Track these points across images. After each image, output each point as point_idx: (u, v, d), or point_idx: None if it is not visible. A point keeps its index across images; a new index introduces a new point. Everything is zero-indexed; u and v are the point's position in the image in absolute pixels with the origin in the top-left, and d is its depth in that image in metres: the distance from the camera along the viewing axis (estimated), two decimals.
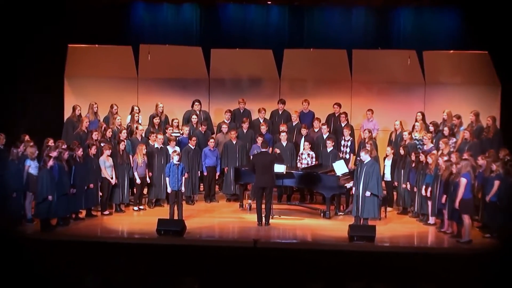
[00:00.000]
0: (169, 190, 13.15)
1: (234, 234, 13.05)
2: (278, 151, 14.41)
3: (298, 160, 14.71)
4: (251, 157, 14.41)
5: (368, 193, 12.64)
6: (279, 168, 13.53)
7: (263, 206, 13.11)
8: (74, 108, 15.07)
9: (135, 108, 15.42)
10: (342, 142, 15.04)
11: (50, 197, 12.34)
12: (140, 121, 15.26)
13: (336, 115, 15.71)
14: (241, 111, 16.00)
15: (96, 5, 16.10)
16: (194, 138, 14.62)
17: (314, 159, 14.63)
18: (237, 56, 16.54)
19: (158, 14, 17.27)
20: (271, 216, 13.31)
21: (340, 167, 13.84)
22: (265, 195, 13.01)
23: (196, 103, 15.78)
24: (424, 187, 13.12)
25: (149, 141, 14.52)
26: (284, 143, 14.87)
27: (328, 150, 14.64)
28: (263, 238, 12.19)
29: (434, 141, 14.27)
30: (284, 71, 16.58)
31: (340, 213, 13.98)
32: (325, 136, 14.99)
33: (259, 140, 14.61)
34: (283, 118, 15.84)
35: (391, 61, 16.18)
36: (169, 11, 17.29)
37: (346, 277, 10.17)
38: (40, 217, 12.46)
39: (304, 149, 14.71)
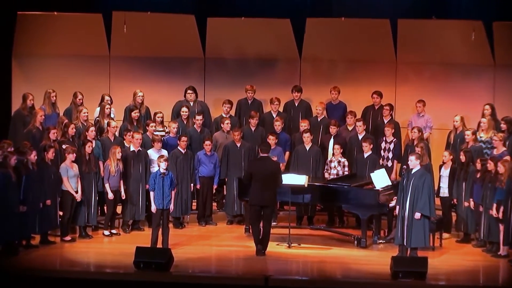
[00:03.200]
0: (153, 208, 13.18)
1: (238, 268, 13.08)
2: (275, 158, 14.40)
3: (325, 169, 14.78)
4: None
5: (417, 215, 12.64)
6: (298, 179, 13.56)
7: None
8: (25, 98, 15.07)
9: (106, 97, 15.42)
10: (383, 145, 15.05)
11: None
12: (113, 115, 15.32)
13: (376, 108, 15.77)
14: (249, 102, 16.07)
15: None
16: (184, 139, 14.62)
17: (346, 168, 14.69)
18: (243, 27, 16.59)
19: None
20: (288, 245, 13.46)
21: (380, 179, 13.84)
22: (264, 216, 13.13)
23: (189, 91, 15.81)
24: (494, 205, 13.12)
25: (124, 142, 14.63)
26: (308, 146, 14.87)
27: (365, 155, 14.64)
28: (277, 274, 12.16)
29: (507, 143, 14.32)
30: (306, 48, 16.63)
31: (380, 241, 13.97)
32: (360, 137, 14.99)
33: (271, 140, 14.70)
34: (300, 111, 15.97)
35: (449, 35, 16.21)
36: None
37: None
38: None
39: (333, 154, 14.75)
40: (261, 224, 13.16)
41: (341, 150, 14.69)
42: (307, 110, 15.89)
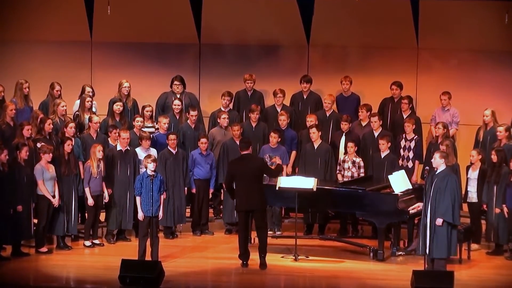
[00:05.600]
0: (140, 216, 13.18)
1: (237, 284, 13.03)
2: (278, 160, 14.42)
3: (338, 171, 14.77)
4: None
5: (439, 221, 12.60)
6: (306, 183, 13.53)
7: (252, 239, 13.44)
8: None
9: (87, 89, 15.49)
10: (403, 143, 15.10)
11: None
12: (95, 109, 15.34)
13: (395, 100, 15.79)
14: (249, 93, 16.07)
15: None
16: (172, 137, 14.58)
17: (362, 169, 14.77)
18: (243, 8, 16.68)
19: None
20: (294, 257, 13.45)
21: (399, 181, 13.84)
22: (255, 223, 13.18)
23: (176, 82, 15.83)
24: None
25: (109, 139, 14.66)
26: (316, 144, 14.87)
27: (382, 155, 14.69)
28: None
29: None
30: (315, 32, 16.70)
31: (400, 253, 13.99)
32: (376, 134, 15.03)
33: (273, 138, 14.77)
34: (309, 104, 15.96)
35: (479, 17, 16.22)
36: None
37: None
38: None
39: (346, 153, 14.74)
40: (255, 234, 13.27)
41: (355, 148, 14.70)
42: (318, 104, 15.88)
